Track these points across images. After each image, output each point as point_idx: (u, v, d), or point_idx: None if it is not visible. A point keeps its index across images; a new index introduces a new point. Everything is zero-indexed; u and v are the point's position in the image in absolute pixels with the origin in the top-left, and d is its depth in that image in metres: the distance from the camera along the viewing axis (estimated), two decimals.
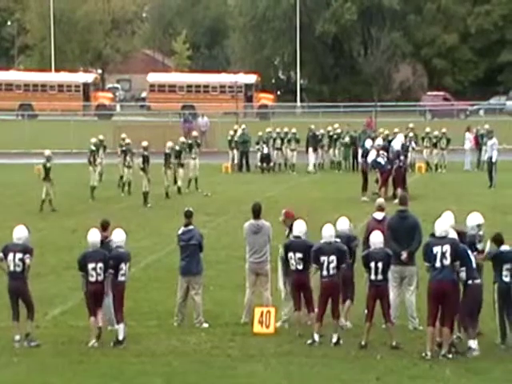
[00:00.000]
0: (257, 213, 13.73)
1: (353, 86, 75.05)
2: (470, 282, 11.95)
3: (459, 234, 12.29)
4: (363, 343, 12.29)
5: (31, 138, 41.27)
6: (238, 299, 13.99)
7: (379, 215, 13.71)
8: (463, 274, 11.90)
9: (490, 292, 12.25)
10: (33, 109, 63.29)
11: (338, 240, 12.69)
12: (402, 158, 25.77)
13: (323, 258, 12.41)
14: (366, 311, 12.42)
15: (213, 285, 15.34)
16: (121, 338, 12.42)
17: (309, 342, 12.47)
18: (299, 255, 12.79)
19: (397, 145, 26.30)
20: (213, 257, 16.98)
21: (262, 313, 13.12)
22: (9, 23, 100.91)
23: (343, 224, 13.18)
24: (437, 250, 11.91)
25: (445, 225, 12.12)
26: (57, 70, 73.54)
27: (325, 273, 12.42)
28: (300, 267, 12.79)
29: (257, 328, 13.08)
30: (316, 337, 12.48)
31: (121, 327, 12.45)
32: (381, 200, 14.39)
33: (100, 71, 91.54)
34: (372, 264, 12.29)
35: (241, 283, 14.06)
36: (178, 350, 12.33)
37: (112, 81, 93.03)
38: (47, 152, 25.00)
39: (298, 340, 12.66)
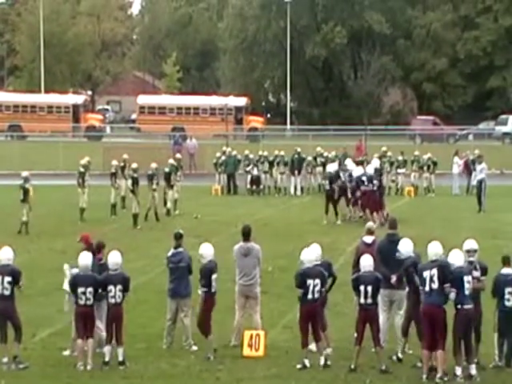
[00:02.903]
0: (246, 235, 13.73)
1: (343, 110, 75.33)
2: (459, 306, 11.95)
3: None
4: (352, 366, 12.26)
5: (20, 159, 41.18)
6: (227, 322, 13.93)
7: (369, 239, 13.73)
8: (452, 295, 11.88)
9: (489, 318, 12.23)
10: (22, 130, 63.17)
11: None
12: (375, 181, 25.74)
13: (309, 282, 12.38)
14: (355, 334, 12.40)
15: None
16: (121, 359, 12.45)
17: (299, 366, 12.42)
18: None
19: (370, 169, 26.43)
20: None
21: (251, 336, 13.08)
22: None
23: (316, 251, 12.99)
24: (426, 274, 11.95)
25: (434, 248, 12.13)
26: (46, 92, 73.55)
27: (310, 296, 12.39)
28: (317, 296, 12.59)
29: (246, 351, 13.04)
30: (306, 362, 12.44)
31: (120, 350, 12.46)
32: (370, 224, 14.43)
33: (90, 93, 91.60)
34: (362, 287, 12.29)
35: (230, 306, 14.02)
36: (167, 373, 12.26)
37: (102, 102, 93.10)
38: (25, 173, 24.71)
39: (286, 363, 12.61)
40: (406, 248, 12.72)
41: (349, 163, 28.42)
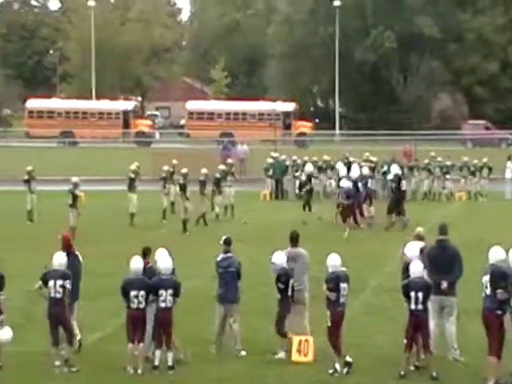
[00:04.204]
0: (295, 241, 13.72)
1: (391, 115, 74.81)
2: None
3: None
4: (402, 373, 12.18)
5: (71, 165, 41.67)
6: (272, 327, 13.91)
7: (418, 244, 13.61)
8: (501, 295, 11.70)
9: None
10: (74, 136, 63.97)
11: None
12: (393, 185, 26.41)
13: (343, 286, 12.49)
14: (405, 341, 12.31)
15: (249, 312, 15.31)
16: (170, 364, 12.53)
17: (330, 371, 12.38)
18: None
19: (394, 170, 27.25)
20: (250, 284, 16.95)
21: (300, 341, 13.06)
22: (51, 52, 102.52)
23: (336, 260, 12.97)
24: (484, 279, 11.89)
25: (493, 253, 12.02)
26: (97, 98, 74.35)
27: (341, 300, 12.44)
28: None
29: (295, 356, 13.02)
30: (337, 366, 12.41)
31: (169, 355, 12.54)
32: (420, 229, 14.29)
33: (140, 99, 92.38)
34: (412, 293, 12.21)
35: (274, 311, 13.98)
36: (216, 378, 12.30)
37: (151, 108, 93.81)
38: (75, 179, 25.02)
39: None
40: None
41: (394, 169, 28.30)
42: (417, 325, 12.19)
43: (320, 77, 79.69)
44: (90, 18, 79.61)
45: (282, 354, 13.09)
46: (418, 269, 12.39)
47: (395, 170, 28.09)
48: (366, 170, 28.22)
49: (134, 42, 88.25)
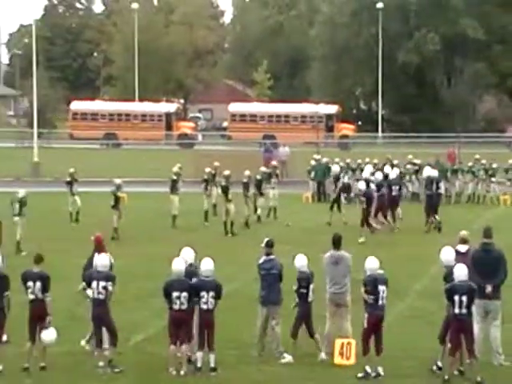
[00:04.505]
0: (337, 243, 13.67)
1: (435, 117, 74.22)
2: None
3: None
4: (446, 377, 12.07)
5: (114, 167, 41.98)
6: (317, 330, 13.87)
7: (463, 248, 13.48)
8: None
9: None
10: (117, 138, 64.49)
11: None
12: (427, 188, 26.37)
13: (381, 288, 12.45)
14: (449, 345, 12.19)
15: (291, 315, 15.26)
16: (212, 365, 12.58)
17: (360, 375, 12.32)
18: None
19: (432, 172, 27.11)
20: (291, 287, 16.90)
21: (342, 344, 13.01)
22: (95, 54, 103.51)
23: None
24: None
25: None
26: (140, 100, 74.88)
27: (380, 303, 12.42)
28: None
29: (337, 359, 12.97)
30: (368, 368, 12.37)
31: (211, 356, 12.58)
32: (464, 232, 14.14)
33: (182, 101, 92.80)
34: (456, 297, 12.08)
35: (320, 314, 13.95)
36: (258, 380, 12.29)
37: (194, 110, 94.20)
38: (118, 181, 25.24)
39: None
40: None
41: (427, 171, 28.14)
42: (461, 329, 12.06)
43: (363, 79, 79.35)
44: (133, 21, 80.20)
45: (289, 358, 13.04)
46: (462, 272, 12.25)
47: (427, 172, 27.89)
48: (393, 174, 27.85)
49: (177, 44, 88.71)
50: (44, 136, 61.36)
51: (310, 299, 13.22)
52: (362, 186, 25.50)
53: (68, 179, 28.09)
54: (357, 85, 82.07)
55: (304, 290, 13.18)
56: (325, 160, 36.06)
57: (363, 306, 12.53)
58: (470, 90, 74.82)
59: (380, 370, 12.37)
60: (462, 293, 12.08)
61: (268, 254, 13.61)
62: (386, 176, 27.01)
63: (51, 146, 60.01)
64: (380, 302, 12.39)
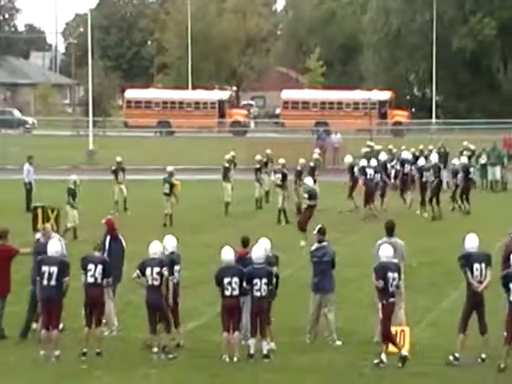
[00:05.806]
0: (390, 230, 13.59)
1: (491, 103, 73.19)
2: None
3: None
4: (502, 366, 11.95)
5: (168, 155, 42.24)
6: (370, 318, 13.84)
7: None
8: None
9: None
10: (170, 126, 64.87)
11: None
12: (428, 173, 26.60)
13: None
14: (505, 333, 12.06)
15: (345, 303, 15.25)
16: (265, 352, 12.60)
17: (375, 361, 12.27)
18: None
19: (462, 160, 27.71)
20: (344, 274, 16.88)
21: (396, 332, 12.93)
22: (149, 43, 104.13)
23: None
24: None
25: None
26: (193, 88, 75.19)
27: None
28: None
29: (391, 347, 12.90)
30: (383, 357, 12.26)
31: (264, 343, 12.61)
32: None
33: (235, 88, 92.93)
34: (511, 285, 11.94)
35: (373, 302, 13.90)
36: (310, 368, 12.31)
37: (246, 98, 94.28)
38: (170, 168, 25.37)
39: (432, 360, 12.39)
40: None
41: (462, 159, 28.26)
42: None
43: (417, 65, 78.59)
44: (186, 9, 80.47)
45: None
46: None
47: (463, 160, 28.11)
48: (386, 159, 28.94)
49: (230, 32, 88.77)
50: (99, 124, 62.03)
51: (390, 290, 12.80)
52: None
53: (113, 168, 28.08)
54: (410, 71, 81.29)
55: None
56: (378, 147, 35.76)
57: (376, 296, 12.43)
58: None
59: (384, 357, 12.25)
60: None
61: (320, 241, 13.61)
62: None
63: (106, 134, 60.62)
64: (390, 290, 12.28)
